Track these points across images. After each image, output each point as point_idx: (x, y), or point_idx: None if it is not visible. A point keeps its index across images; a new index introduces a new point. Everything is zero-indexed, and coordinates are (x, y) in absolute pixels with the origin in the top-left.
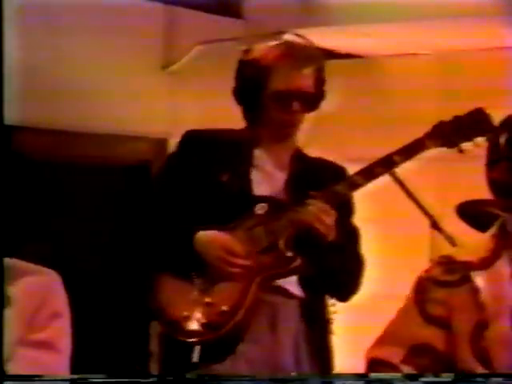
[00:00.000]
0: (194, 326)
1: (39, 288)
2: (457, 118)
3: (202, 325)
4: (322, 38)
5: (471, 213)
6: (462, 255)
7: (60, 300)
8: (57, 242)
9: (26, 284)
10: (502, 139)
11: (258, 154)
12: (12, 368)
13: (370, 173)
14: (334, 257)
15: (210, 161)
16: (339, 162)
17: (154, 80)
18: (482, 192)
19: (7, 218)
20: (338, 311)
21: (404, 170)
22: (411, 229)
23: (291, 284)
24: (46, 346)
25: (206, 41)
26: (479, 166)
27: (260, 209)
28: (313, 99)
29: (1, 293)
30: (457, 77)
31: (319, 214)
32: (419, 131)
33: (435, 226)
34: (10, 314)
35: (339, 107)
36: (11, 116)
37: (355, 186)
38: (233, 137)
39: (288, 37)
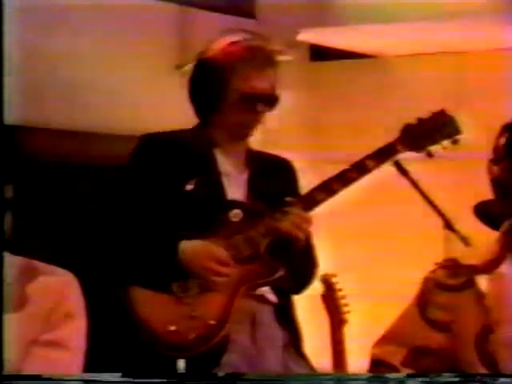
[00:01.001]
0: (180, 340)
1: (54, 288)
2: (420, 121)
3: (190, 339)
4: (334, 37)
5: (487, 212)
6: (467, 259)
7: (75, 301)
8: (55, 242)
9: (42, 284)
10: (503, 140)
11: (219, 157)
12: (25, 367)
13: (343, 178)
14: (303, 259)
15: (172, 169)
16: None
17: (168, 80)
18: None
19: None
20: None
21: (417, 169)
22: (424, 229)
23: (265, 290)
24: (58, 345)
25: None
26: None
27: (235, 216)
28: (273, 99)
29: (0, 293)
30: (467, 77)
31: (300, 222)
32: None
33: (449, 226)
34: (25, 313)
35: (352, 107)
36: (11, 116)
37: (331, 191)
38: (189, 139)
39: (243, 36)
